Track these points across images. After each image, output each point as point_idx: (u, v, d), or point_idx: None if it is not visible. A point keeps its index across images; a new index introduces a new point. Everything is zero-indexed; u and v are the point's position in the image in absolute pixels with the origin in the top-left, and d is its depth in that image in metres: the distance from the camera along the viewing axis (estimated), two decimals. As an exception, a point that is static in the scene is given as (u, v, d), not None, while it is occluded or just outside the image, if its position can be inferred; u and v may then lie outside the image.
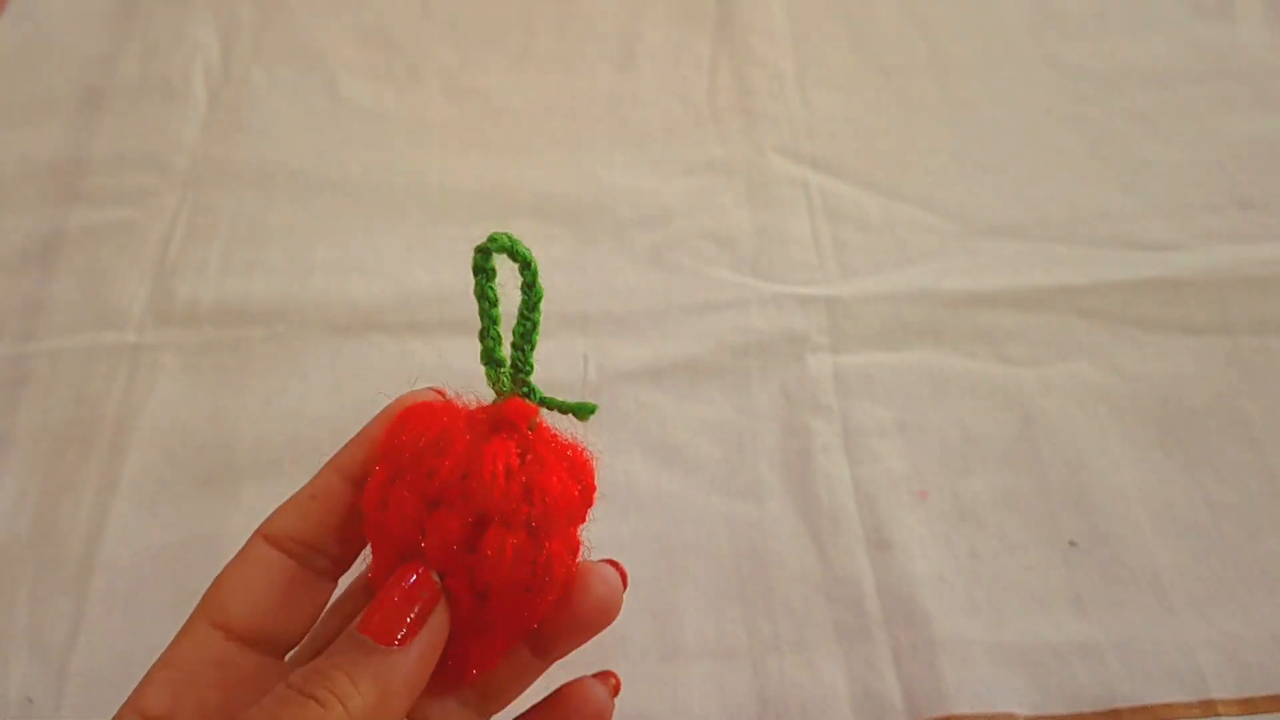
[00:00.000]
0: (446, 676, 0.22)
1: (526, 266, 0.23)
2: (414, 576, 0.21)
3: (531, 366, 0.24)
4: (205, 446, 0.37)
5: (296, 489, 0.35)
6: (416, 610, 0.20)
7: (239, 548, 0.34)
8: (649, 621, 0.33)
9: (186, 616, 0.33)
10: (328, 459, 0.24)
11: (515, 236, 0.23)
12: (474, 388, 0.38)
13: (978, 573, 0.34)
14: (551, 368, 0.39)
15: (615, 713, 0.32)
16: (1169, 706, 0.31)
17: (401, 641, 0.20)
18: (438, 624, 0.21)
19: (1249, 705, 0.31)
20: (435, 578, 0.21)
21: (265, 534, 0.23)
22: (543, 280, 0.42)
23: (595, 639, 0.32)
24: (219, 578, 0.23)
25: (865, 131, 0.46)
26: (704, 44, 0.49)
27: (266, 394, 0.38)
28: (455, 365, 0.39)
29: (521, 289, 0.23)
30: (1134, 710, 0.31)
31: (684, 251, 0.42)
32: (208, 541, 0.35)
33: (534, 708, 0.24)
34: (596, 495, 0.23)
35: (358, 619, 0.21)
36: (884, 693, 0.31)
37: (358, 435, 0.24)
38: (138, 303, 0.41)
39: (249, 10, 0.51)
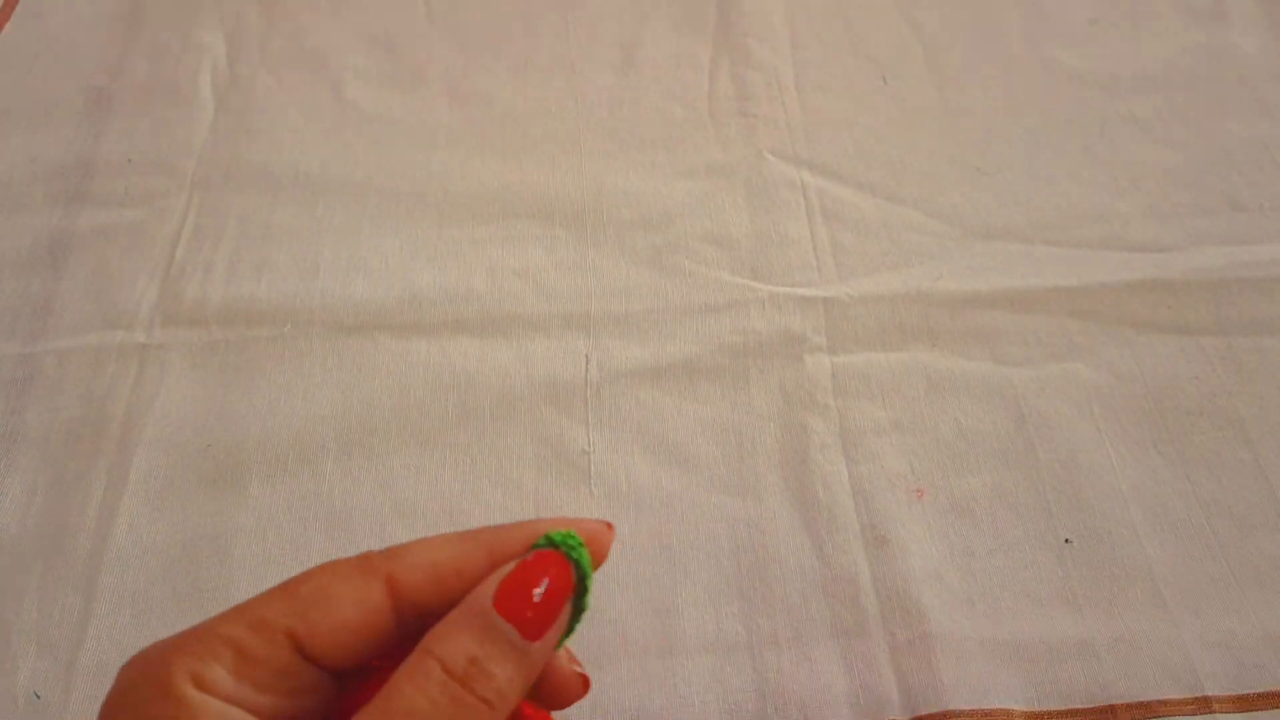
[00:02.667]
0: None
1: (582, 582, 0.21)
2: (562, 571, 0.20)
3: None
4: (212, 445, 0.37)
5: (300, 487, 0.36)
6: (558, 605, 0.20)
7: (243, 546, 0.34)
8: (649, 618, 0.33)
9: (193, 613, 0.33)
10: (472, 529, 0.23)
11: (578, 541, 0.21)
12: (474, 386, 0.39)
13: (973, 570, 0.34)
14: (553, 367, 0.39)
15: (615, 709, 0.32)
16: (1164, 703, 0.31)
17: (540, 636, 0.20)
18: (564, 619, 0.21)
19: (1244, 702, 0.31)
20: (572, 569, 0.21)
21: (388, 578, 0.22)
22: (544, 282, 0.42)
23: (596, 637, 0.33)
24: (318, 592, 0.21)
25: (862, 135, 0.46)
26: (704, 49, 0.50)
27: (272, 393, 0.38)
28: (459, 365, 0.39)
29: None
30: (1129, 706, 0.31)
31: (684, 253, 0.42)
32: (214, 539, 0.35)
33: None
34: None
35: (492, 594, 0.20)
36: (881, 688, 0.32)
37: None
38: (145, 303, 0.41)
39: (255, 14, 0.52)
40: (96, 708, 0.31)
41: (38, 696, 0.32)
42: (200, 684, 0.20)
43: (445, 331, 0.40)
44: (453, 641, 0.20)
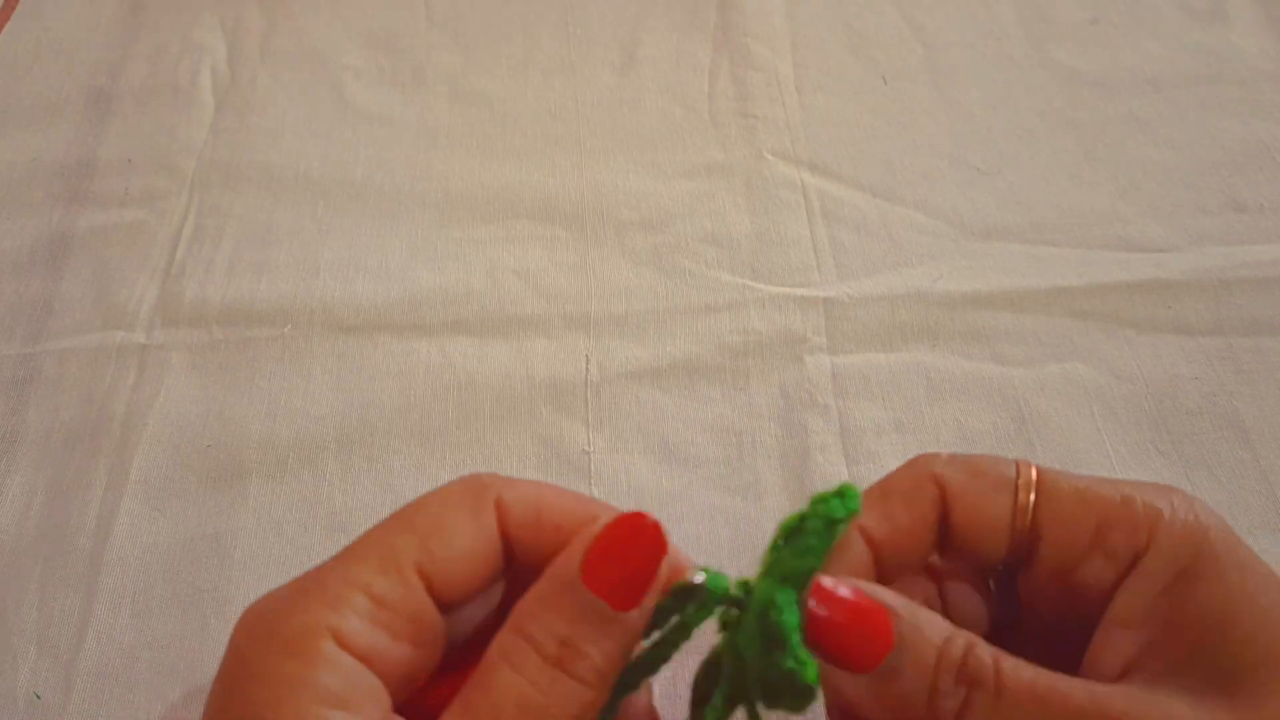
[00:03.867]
0: None
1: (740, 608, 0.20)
2: (650, 530, 0.20)
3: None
4: (212, 445, 0.37)
5: (301, 487, 0.36)
6: (649, 570, 0.20)
7: (243, 546, 0.34)
8: (649, 618, 0.33)
9: (193, 613, 0.33)
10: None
11: (727, 582, 0.20)
12: (475, 386, 0.38)
13: (974, 570, 0.34)
14: (553, 367, 0.39)
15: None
16: (1163, 703, 0.31)
17: (633, 606, 0.19)
18: (661, 581, 0.20)
19: (1242, 702, 0.31)
20: (662, 528, 0.20)
21: (499, 507, 0.21)
22: (544, 282, 0.43)
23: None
24: (438, 523, 0.20)
25: (862, 135, 0.46)
26: (704, 49, 0.50)
27: (273, 393, 0.38)
28: (459, 365, 0.39)
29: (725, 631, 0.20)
30: (1128, 706, 0.31)
31: (684, 254, 0.42)
32: (214, 539, 0.35)
33: None
34: None
35: (579, 562, 0.19)
36: (881, 688, 0.32)
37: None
38: (145, 303, 0.41)
39: (255, 14, 0.52)
40: (97, 708, 0.32)
41: (38, 697, 0.32)
42: (343, 642, 0.19)
43: (445, 332, 0.40)
44: (543, 621, 0.19)
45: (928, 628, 0.20)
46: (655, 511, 0.34)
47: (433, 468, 0.36)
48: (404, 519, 0.21)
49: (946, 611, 0.24)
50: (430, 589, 0.20)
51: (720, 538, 0.35)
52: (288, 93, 0.48)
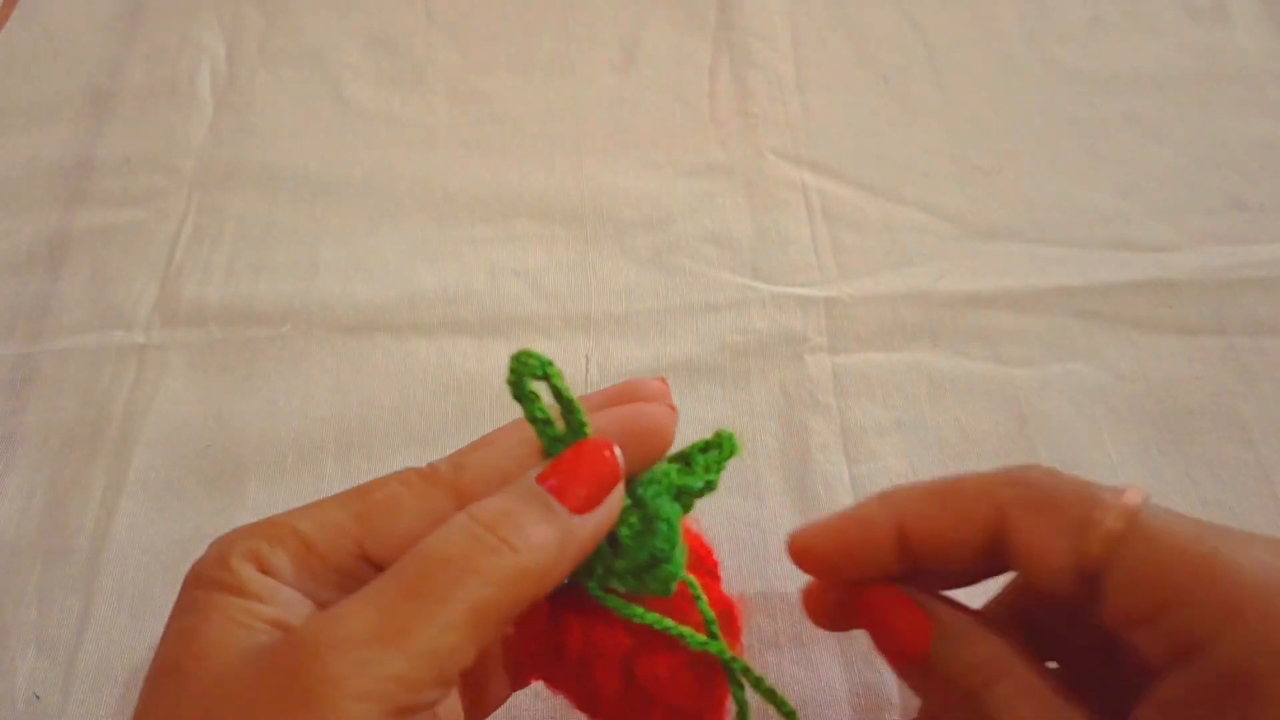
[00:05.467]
0: None
1: (559, 394, 0.22)
2: (605, 453, 0.21)
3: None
4: (211, 445, 0.37)
5: (300, 487, 0.36)
6: (598, 484, 0.21)
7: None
8: (649, 618, 0.33)
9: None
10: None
11: (543, 357, 0.22)
12: (474, 386, 0.38)
13: (975, 570, 0.34)
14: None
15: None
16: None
17: (581, 508, 0.20)
18: (614, 502, 0.21)
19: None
20: (617, 455, 0.21)
21: (455, 490, 0.22)
22: (544, 282, 0.43)
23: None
24: (388, 502, 0.21)
25: (863, 134, 0.46)
26: (704, 48, 0.50)
27: (272, 394, 0.38)
28: (458, 365, 0.39)
29: (562, 406, 0.22)
30: (1130, 707, 0.31)
31: (684, 253, 0.42)
32: (214, 539, 0.35)
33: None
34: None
35: (536, 470, 0.21)
36: (881, 688, 0.32)
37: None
38: (144, 303, 0.41)
39: (254, 14, 0.51)
40: (96, 708, 0.32)
41: (37, 697, 0.32)
42: (262, 566, 0.20)
43: (445, 332, 0.40)
44: (489, 502, 0.20)
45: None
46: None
47: (432, 468, 0.36)
48: (360, 491, 0.22)
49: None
50: (368, 556, 0.21)
51: (720, 537, 0.35)
52: (287, 92, 0.48)
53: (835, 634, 0.33)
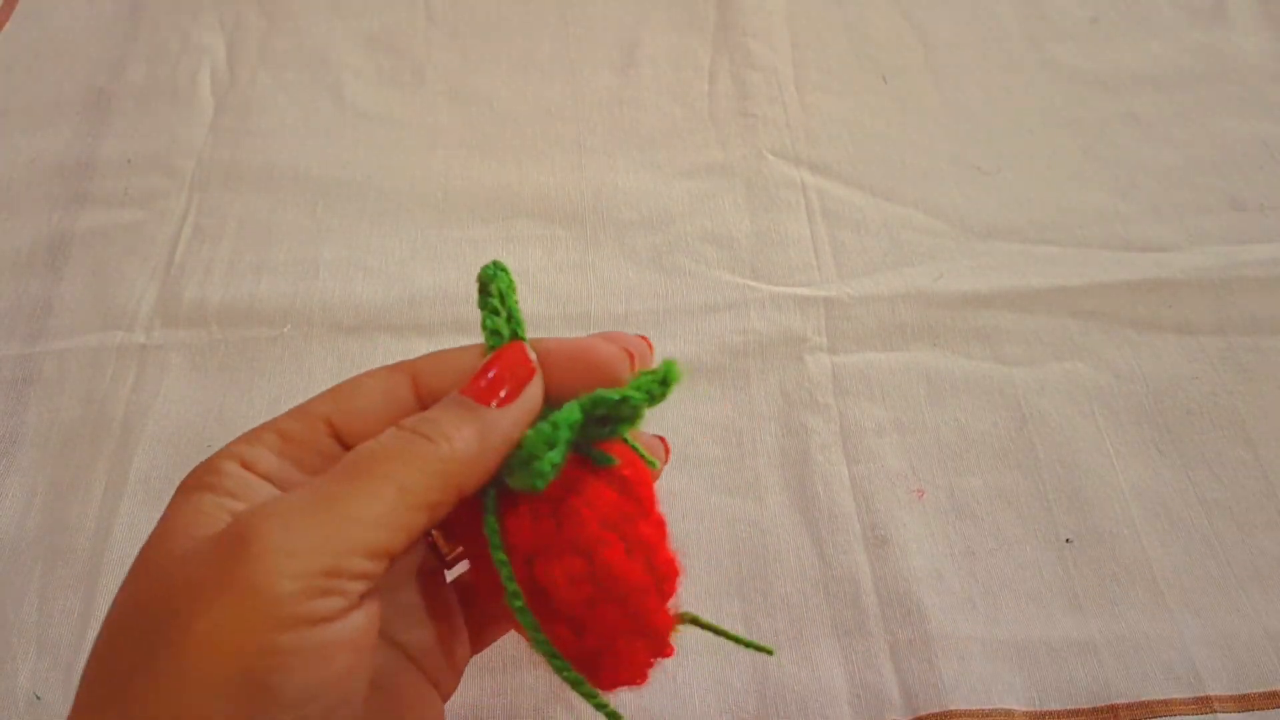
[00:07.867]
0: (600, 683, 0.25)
1: (502, 301, 0.25)
2: (521, 354, 0.24)
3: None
4: (212, 445, 0.37)
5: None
6: (514, 380, 0.23)
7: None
8: (649, 618, 0.33)
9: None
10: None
11: (506, 270, 0.26)
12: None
13: (974, 570, 0.34)
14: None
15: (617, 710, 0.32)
16: (1165, 703, 0.31)
17: (500, 404, 0.23)
18: (532, 395, 0.23)
19: (1245, 701, 0.31)
20: (532, 357, 0.24)
21: (413, 374, 0.24)
22: (545, 282, 0.43)
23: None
24: (352, 384, 0.24)
25: (863, 135, 0.46)
26: (704, 49, 0.50)
27: (272, 394, 0.38)
28: (458, 365, 0.39)
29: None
30: (1130, 706, 0.31)
31: (684, 253, 0.42)
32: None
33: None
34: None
35: (461, 387, 0.23)
36: (882, 688, 0.32)
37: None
38: (145, 304, 0.41)
39: (254, 15, 0.52)
40: (96, 708, 0.32)
41: (38, 698, 0.32)
42: (245, 464, 0.22)
43: (445, 331, 0.40)
44: (417, 415, 0.22)
45: None
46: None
47: (433, 468, 0.36)
48: (332, 388, 0.24)
49: None
50: (339, 435, 0.23)
51: (720, 537, 0.35)
52: (287, 93, 0.48)
53: (836, 634, 0.33)
